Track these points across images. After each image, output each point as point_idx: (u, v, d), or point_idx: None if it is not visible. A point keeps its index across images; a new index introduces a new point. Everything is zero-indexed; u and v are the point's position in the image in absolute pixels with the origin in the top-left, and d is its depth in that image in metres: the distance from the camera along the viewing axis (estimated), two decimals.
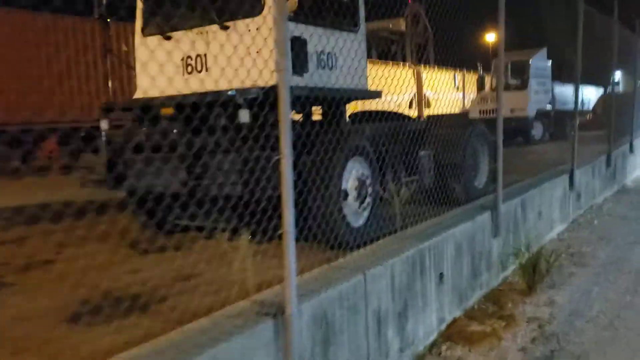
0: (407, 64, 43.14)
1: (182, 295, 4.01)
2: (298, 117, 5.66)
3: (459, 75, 43.53)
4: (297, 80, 4.88)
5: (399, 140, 6.23)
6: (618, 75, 17.27)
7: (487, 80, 21.68)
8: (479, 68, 23.16)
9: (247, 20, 4.87)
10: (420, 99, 43.97)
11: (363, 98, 5.93)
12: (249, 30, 4.81)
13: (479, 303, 5.02)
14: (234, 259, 3.63)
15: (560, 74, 21.70)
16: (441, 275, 4.40)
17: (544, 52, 21.17)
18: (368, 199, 5.57)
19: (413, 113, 41.34)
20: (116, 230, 5.89)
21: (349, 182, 5.33)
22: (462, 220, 4.89)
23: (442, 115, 7.62)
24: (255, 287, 3.27)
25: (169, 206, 4.60)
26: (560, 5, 8.65)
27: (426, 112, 39.96)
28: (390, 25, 53.34)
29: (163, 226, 5.83)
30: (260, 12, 4.88)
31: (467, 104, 23.85)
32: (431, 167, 6.99)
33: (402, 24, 53.11)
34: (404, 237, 4.30)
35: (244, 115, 4.68)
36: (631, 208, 9.47)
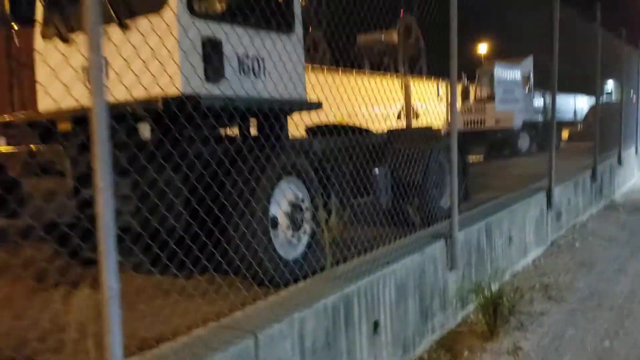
0: (396, 74, 42.70)
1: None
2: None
3: (442, 86, 43.01)
4: (210, 89, 4.10)
5: (351, 156, 5.46)
6: (610, 85, 16.64)
7: (472, 90, 21.04)
8: (463, 78, 22.58)
9: (149, 17, 4.10)
10: (409, 110, 43.46)
11: (301, 109, 5.15)
12: (152, 29, 4.04)
13: (429, 351, 4.21)
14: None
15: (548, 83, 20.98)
16: (376, 324, 3.60)
17: (529, 60, 20.53)
18: (305, 227, 4.78)
19: (401, 125, 40.69)
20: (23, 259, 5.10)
21: (280, 208, 4.54)
22: (408, 253, 4.10)
23: (404, 129, 6.86)
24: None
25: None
26: (544, 12, 8.04)
27: (414, 123, 39.29)
28: (383, 37, 53.26)
29: (77, 257, 5.04)
30: (162, 6, 4.11)
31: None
32: (388, 186, 6.22)
33: (394, 36, 53.02)
34: (328, 279, 3.51)
35: (145, 131, 3.91)
36: (618, 227, 8.70)
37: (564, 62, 10.56)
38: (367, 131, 7.15)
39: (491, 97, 20.25)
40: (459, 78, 22.13)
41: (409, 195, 6.26)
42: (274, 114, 4.68)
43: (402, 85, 43.98)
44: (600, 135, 10.73)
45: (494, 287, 5.38)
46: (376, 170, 6.11)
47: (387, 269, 3.75)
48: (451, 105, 4.55)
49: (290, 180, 4.68)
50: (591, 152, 10.03)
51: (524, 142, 19.98)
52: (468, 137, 20.27)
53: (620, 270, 6.30)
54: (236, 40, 4.35)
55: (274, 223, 4.45)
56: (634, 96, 15.77)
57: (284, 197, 4.57)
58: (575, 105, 24.58)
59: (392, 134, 6.73)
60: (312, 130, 7.18)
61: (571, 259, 6.80)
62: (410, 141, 6.44)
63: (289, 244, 4.62)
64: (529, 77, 20.65)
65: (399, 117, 42.99)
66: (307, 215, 4.80)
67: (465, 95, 21.76)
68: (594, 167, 9.71)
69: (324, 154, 5.27)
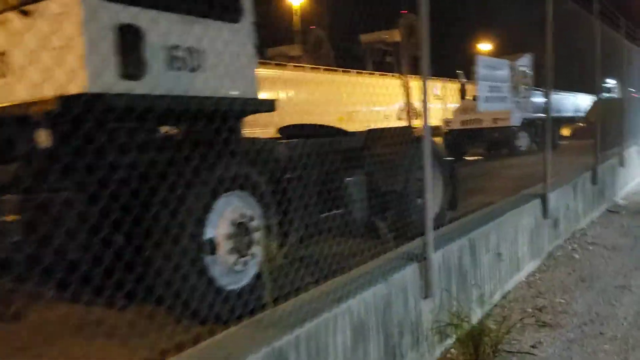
0: (396, 74, 42.08)
1: None
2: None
3: (439, 84, 42.50)
4: (127, 86, 3.40)
5: (318, 163, 4.75)
6: (612, 81, 15.93)
7: (469, 89, 20.34)
8: (461, 76, 21.87)
9: (51, 2, 3.39)
10: (409, 110, 42.59)
11: (254, 111, 4.44)
12: (56, 16, 3.34)
13: None
14: None
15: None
16: None
17: (528, 57, 19.80)
18: (254, 250, 4.07)
19: (403, 124, 39.96)
20: None
21: (220, 229, 3.83)
22: (369, 283, 3.40)
23: (382, 130, 6.16)
24: None
25: None
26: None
27: (414, 122, 38.75)
28: (385, 37, 52.87)
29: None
30: None
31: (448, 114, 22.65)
32: (363, 196, 5.52)
33: (397, 35, 52.36)
34: (259, 325, 2.80)
35: (42, 138, 3.22)
36: (622, 233, 8.00)
37: (565, 59, 9.94)
38: (344, 132, 6.46)
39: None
40: (457, 76, 21.28)
41: (387, 208, 5.57)
42: (217, 116, 3.99)
43: (402, 85, 43.19)
44: (602, 132, 10.04)
45: (480, 313, 4.70)
46: (350, 178, 5.42)
47: (339, 307, 3.05)
48: (424, 102, 3.84)
49: (235, 196, 3.98)
50: (592, 150, 9.33)
51: (523, 140, 19.28)
52: (466, 136, 19.67)
53: (624, 287, 5.59)
54: (165, 29, 3.65)
55: (211, 247, 3.74)
56: (635, 93, 15.07)
57: (225, 215, 3.86)
58: (577, 103, 23.89)
59: (370, 135, 6.03)
60: (286, 131, 6.50)
61: (569, 273, 6.10)
62: (391, 143, 5.75)
63: (231, 272, 3.91)
64: (525, 74, 19.93)
65: (400, 117, 42.27)
66: (258, 236, 4.09)
67: (462, 93, 21.09)
68: (594, 168, 9.01)
69: (285, 162, 4.58)
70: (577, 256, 6.75)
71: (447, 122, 20.30)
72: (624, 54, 12.23)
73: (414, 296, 3.78)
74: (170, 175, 3.47)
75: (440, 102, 42.34)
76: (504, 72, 5.52)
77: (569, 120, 23.27)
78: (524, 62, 19.39)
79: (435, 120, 23.01)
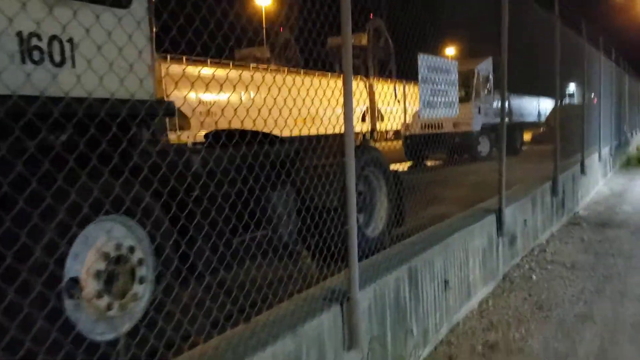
0: (359, 76, 41.58)
1: None
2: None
3: (399, 87, 41.90)
4: None
5: (236, 175, 3.98)
6: (573, 86, 15.59)
7: None
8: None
9: None
10: (373, 112, 42.33)
11: (150, 115, 3.66)
12: None
13: None
14: None
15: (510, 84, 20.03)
16: None
17: (489, 61, 19.44)
18: (138, 290, 3.29)
19: (367, 127, 39.43)
20: None
21: (88, 264, 3.04)
22: (271, 340, 2.66)
23: (318, 136, 5.43)
24: None
25: None
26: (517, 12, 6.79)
27: (378, 125, 38.10)
28: (353, 40, 52.24)
29: None
30: None
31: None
32: (292, 215, 4.78)
33: (363, 39, 52.19)
34: None
35: None
36: (582, 249, 7.45)
37: (529, 62, 9.43)
38: (276, 138, 5.69)
39: None
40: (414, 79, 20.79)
41: (319, 227, 4.84)
42: (90, 121, 3.19)
43: (366, 87, 42.78)
44: (562, 139, 9.54)
45: (424, 353, 4.01)
46: (277, 193, 4.67)
47: None
48: (344, 106, 3.12)
49: (112, 222, 3.19)
50: (552, 158, 8.81)
51: (484, 146, 18.89)
52: (426, 141, 19.11)
53: (586, 316, 4.98)
54: (15, 11, 2.85)
55: (74, 288, 2.95)
56: (594, 98, 14.74)
57: (97, 247, 3.07)
58: (539, 107, 23.69)
59: (302, 142, 5.30)
60: (212, 138, 5.72)
61: (526, 298, 5.47)
62: (326, 154, 5.03)
63: (104, 319, 3.12)
64: (487, 79, 19.57)
65: (363, 119, 41.71)
66: (144, 272, 3.31)
67: None
68: (554, 179, 8.47)
69: (192, 177, 3.79)
70: (534, 277, 6.14)
71: (406, 126, 19.76)
72: (585, 58, 11.80)
73: (334, 349, 3.05)
74: (19, 198, 2.66)
75: (401, 105, 41.62)
76: (450, 75, 4.84)
77: (533, 125, 23.06)
78: (486, 66, 19.02)
79: (396, 124, 22.55)
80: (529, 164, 10.46)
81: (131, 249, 3.28)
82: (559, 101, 9.55)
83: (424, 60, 4.38)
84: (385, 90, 41.69)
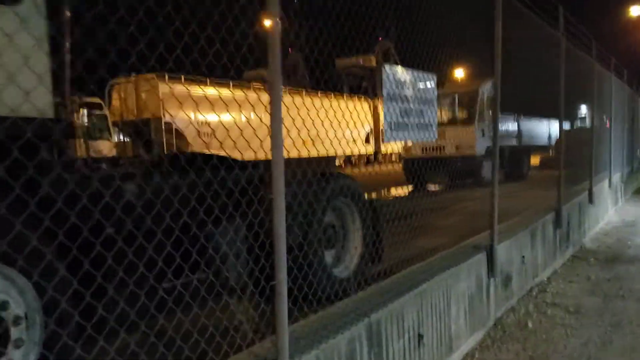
0: (364, 97, 41.00)
1: None
2: None
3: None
4: None
5: (161, 210, 3.30)
6: (584, 109, 14.88)
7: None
8: None
9: None
10: (377, 134, 41.46)
11: (40, 136, 3.00)
12: None
13: None
14: None
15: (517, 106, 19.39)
16: None
17: (489, 84, 18.77)
18: (14, 356, 2.60)
19: (371, 148, 38.61)
20: None
21: None
22: None
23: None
24: None
25: None
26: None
27: (383, 148, 37.28)
28: (361, 61, 52.06)
29: None
30: None
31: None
32: (241, 254, 4.07)
33: (372, 60, 51.82)
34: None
35: None
36: (589, 290, 6.67)
37: (538, 83, 8.77)
38: (235, 162, 5.00)
39: (452, 122, 18.50)
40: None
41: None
42: None
43: (370, 108, 42.01)
44: (570, 165, 8.82)
45: None
46: (223, 229, 3.97)
47: None
48: (271, 129, 2.43)
49: None
50: (556, 188, 8.07)
51: (488, 170, 18.10)
52: (427, 164, 18.34)
53: None
54: None
55: None
56: (607, 121, 13.99)
57: None
58: (550, 129, 22.91)
59: (258, 168, 4.60)
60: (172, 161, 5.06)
61: (518, 353, 4.71)
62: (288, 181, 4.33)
63: None
64: (485, 100, 18.91)
65: (367, 140, 40.79)
66: (22, 333, 2.62)
67: None
68: (558, 209, 7.72)
69: (110, 209, 3.12)
70: (531, 325, 5.37)
71: (406, 149, 19.07)
72: (595, 78, 11.09)
73: None
74: None
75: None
76: (428, 92, 4.15)
77: (542, 149, 22.26)
78: (491, 87, 18.34)
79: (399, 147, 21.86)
80: (535, 190, 9.75)
81: (3, 305, 2.60)
82: (564, 124, 8.82)
83: (390, 73, 3.70)
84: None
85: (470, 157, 17.15)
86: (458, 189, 16.90)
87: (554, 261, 7.47)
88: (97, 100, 16.12)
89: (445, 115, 18.22)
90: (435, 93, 4.36)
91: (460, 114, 18.34)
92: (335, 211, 4.88)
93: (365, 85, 53.29)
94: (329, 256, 4.74)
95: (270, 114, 2.40)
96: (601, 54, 12.24)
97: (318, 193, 4.45)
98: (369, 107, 39.14)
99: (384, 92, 3.66)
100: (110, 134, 16.34)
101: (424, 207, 11.88)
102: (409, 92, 3.92)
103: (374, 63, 55.78)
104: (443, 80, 19.09)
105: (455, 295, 4.46)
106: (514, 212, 7.36)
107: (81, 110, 14.91)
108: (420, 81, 4.11)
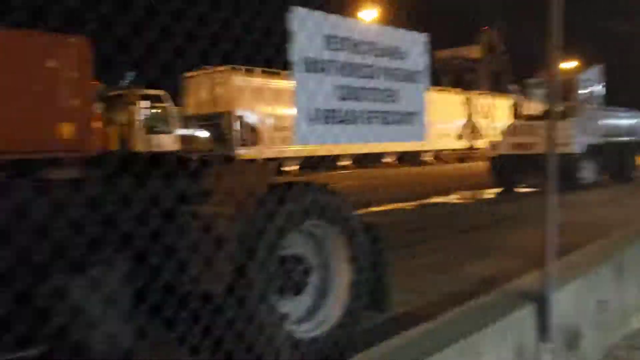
0: (455, 90, 38.77)
1: None
2: None
3: (493, 100, 38.65)
4: None
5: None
6: None
7: (524, 106, 17.16)
8: (515, 91, 18.52)
9: None
10: (471, 127, 39.07)
11: None
12: None
13: None
14: None
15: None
16: None
17: (596, 70, 16.40)
18: None
19: (463, 143, 36.45)
20: None
21: None
22: None
23: (220, 166, 3.36)
24: None
25: None
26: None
27: (477, 143, 35.06)
28: (465, 53, 49.85)
29: None
30: None
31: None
32: (122, 308, 2.72)
33: (477, 51, 49.39)
34: None
35: None
36: None
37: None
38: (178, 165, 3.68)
39: (546, 115, 16.26)
40: (511, 91, 18.01)
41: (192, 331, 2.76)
42: None
43: (467, 101, 39.70)
44: None
45: None
46: (96, 271, 2.65)
47: None
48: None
49: None
50: None
51: (588, 172, 15.69)
52: (516, 163, 16.22)
53: None
54: None
55: None
56: None
57: None
58: None
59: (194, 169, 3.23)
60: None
61: None
62: (220, 193, 2.95)
63: None
64: (594, 91, 16.53)
65: (460, 136, 38.57)
66: None
67: (515, 112, 17.81)
68: None
69: None
70: None
71: (493, 145, 16.99)
72: None
73: None
74: None
75: (487, 120, 38.39)
76: (406, 61, 2.58)
77: None
78: (591, 76, 15.90)
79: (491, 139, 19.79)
80: (631, 200, 7.81)
81: None
82: None
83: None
84: (483, 103, 38.34)
85: (566, 156, 14.93)
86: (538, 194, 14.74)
87: None
88: (157, 92, 15.43)
89: (538, 108, 16.11)
90: (426, 63, 2.76)
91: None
92: (307, 239, 3.43)
93: (468, 78, 50.50)
94: (291, 305, 3.29)
95: None
96: None
97: (271, 215, 3.01)
98: (465, 100, 36.71)
99: (294, 56, 2.17)
100: (170, 127, 15.61)
101: (500, 217, 10.07)
102: (361, 58, 2.41)
103: (478, 54, 52.71)
104: (536, 67, 16.81)
105: None
106: (607, 227, 5.70)
107: (137, 102, 14.23)
108: (393, 43, 2.57)
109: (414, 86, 2.71)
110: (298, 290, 3.35)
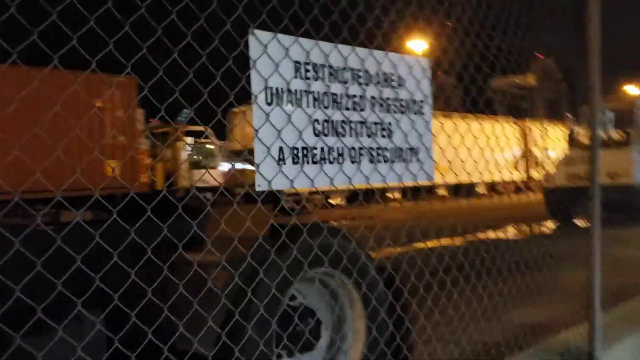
0: (510, 118, 37.86)
1: None
2: None
3: (546, 128, 37.45)
4: None
5: None
6: None
7: (580, 134, 16.36)
8: (569, 118, 17.75)
9: None
10: (527, 157, 38.04)
11: None
12: None
13: None
14: None
15: None
16: None
17: None
18: None
19: (520, 175, 35.53)
20: None
21: None
22: None
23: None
24: None
25: None
26: None
27: (534, 173, 34.05)
28: (519, 81, 49.29)
29: None
30: None
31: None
32: None
33: (531, 79, 48.78)
34: None
35: None
36: None
37: None
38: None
39: (608, 143, 15.49)
40: (565, 118, 17.34)
41: None
42: None
43: (524, 131, 38.75)
44: None
45: None
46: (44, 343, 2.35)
47: None
48: None
49: None
50: None
51: None
52: (574, 194, 15.35)
53: None
54: None
55: None
56: None
57: None
58: None
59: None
60: None
61: None
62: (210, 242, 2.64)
63: None
64: None
65: (516, 166, 37.48)
66: None
67: (571, 140, 17.03)
68: None
69: None
70: None
71: (548, 176, 16.20)
72: None
73: None
74: None
75: (543, 149, 37.04)
76: (405, 88, 2.21)
77: None
78: None
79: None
80: None
81: None
82: None
83: (271, 49, 1.85)
84: (539, 132, 37.24)
85: (627, 187, 14.02)
86: (612, 227, 13.82)
87: None
88: (202, 128, 15.57)
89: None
90: (429, 90, 2.39)
91: (615, 135, 15.29)
92: (318, 289, 3.06)
93: (524, 106, 49.54)
94: None
95: None
96: None
97: (259, 259, 2.67)
98: (521, 129, 35.74)
99: (253, 87, 1.85)
100: (214, 161, 15.69)
101: (553, 254, 9.36)
102: (343, 88, 2.06)
103: (532, 82, 51.72)
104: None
105: None
106: None
107: (182, 139, 14.37)
108: (386, 69, 2.22)
109: (413, 118, 2.33)
110: (307, 347, 2.98)
